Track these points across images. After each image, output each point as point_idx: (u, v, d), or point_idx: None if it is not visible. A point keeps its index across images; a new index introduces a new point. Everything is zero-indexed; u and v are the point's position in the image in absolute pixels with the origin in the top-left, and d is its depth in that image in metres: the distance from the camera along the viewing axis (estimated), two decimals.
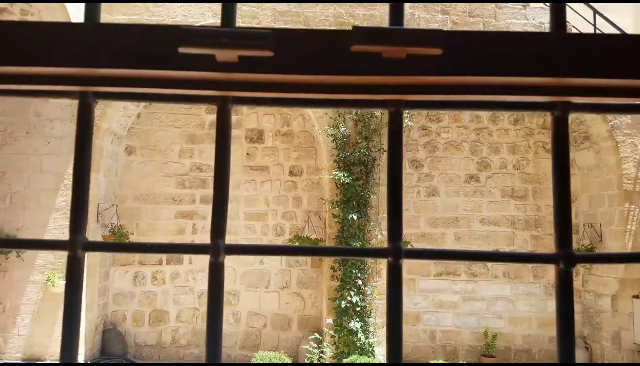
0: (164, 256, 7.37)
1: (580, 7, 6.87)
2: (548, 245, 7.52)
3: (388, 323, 0.61)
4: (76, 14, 6.29)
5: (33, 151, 6.70)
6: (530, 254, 0.70)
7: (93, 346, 6.72)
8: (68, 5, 6.17)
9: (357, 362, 4.82)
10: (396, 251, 0.66)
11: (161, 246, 0.70)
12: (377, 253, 0.72)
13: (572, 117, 7.32)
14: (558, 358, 0.64)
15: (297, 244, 6.87)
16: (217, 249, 0.68)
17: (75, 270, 0.63)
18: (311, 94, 0.62)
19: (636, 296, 6.59)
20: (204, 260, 7.41)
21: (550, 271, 7.48)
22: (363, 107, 0.64)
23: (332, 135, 6.51)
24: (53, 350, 6.29)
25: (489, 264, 7.52)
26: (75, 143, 0.64)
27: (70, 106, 6.67)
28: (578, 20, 7.18)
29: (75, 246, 0.64)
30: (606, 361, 6.74)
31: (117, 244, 0.70)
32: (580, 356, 6.98)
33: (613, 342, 6.65)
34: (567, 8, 7.12)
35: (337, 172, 6.33)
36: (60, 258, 6.40)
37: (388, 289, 0.65)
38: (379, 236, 6.62)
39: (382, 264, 6.62)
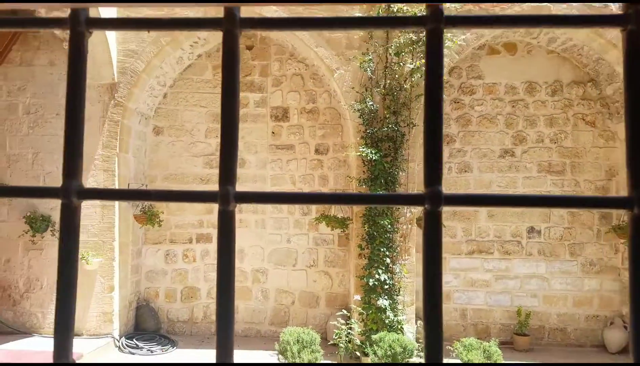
0: (194, 235, 7.46)
1: None
2: (586, 222, 7.22)
3: (425, 293, 0.51)
4: None
5: (62, 132, 6.81)
6: (597, 198, 0.57)
7: (127, 322, 6.90)
8: None
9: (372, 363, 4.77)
10: (434, 197, 0.56)
11: (165, 193, 0.61)
12: (411, 199, 0.62)
13: (615, 87, 6.92)
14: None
15: (324, 222, 6.81)
16: (226, 196, 0.59)
17: (71, 222, 0.55)
18: (332, 3, 0.52)
19: None
20: None
21: (588, 248, 7.20)
22: (396, 25, 0.53)
23: (358, 110, 6.34)
24: (90, 325, 6.49)
25: (524, 241, 7.29)
26: (68, 78, 0.56)
27: (97, 87, 6.73)
28: None
29: (69, 193, 0.56)
30: None
31: (118, 192, 0.61)
32: (617, 336, 6.73)
33: None
34: None
35: (364, 149, 6.18)
36: (92, 236, 6.55)
37: (425, 245, 0.55)
38: (408, 214, 6.47)
39: (411, 243, 6.49)
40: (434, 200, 0.56)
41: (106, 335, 6.48)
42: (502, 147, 7.35)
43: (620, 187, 7.15)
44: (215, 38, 7.23)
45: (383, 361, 4.63)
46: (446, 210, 7.31)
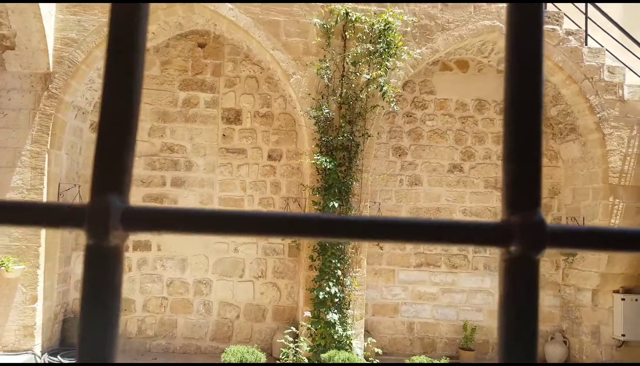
0: (130, 242, 6.92)
1: None
2: None
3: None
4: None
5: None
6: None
7: (52, 336, 6.25)
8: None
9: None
10: (532, 230, 0.37)
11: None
12: (486, 232, 0.42)
13: (559, 108, 7.18)
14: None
15: None
16: (102, 215, 0.37)
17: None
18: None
19: (617, 291, 6.54)
20: (173, 247, 7.00)
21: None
22: None
23: (314, 117, 6.15)
24: (7, 339, 5.80)
25: (470, 256, 7.37)
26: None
27: (30, 76, 6.11)
28: (569, 8, 7.01)
29: (107, 219, 0.29)
30: (585, 357, 6.69)
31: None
32: (558, 350, 6.92)
33: (592, 337, 6.60)
34: None
35: (318, 157, 5.99)
36: (15, 241, 5.88)
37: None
38: None
39: (363, 254, 6.36)
40: (530, 236, 0.37)
41: (26, 351, 5.81)
42: (451, 162, 7.42)
43: (562, 204, 7.41)
44: (164, 33, 6.80)
45: None
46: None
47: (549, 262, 7.37)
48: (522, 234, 0.42)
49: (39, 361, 5.82)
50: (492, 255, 7.37)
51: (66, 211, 0.42)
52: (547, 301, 7.28)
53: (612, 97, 6.63)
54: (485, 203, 7.42)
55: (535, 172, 0.44)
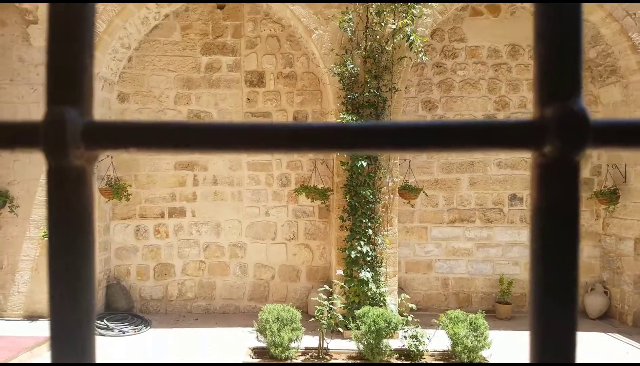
0: (165, 209, 7.08)
1: None
2: None
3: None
4: None
5: (19, 99, 6.26)
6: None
7: (97, 302, 6.55)
8: None
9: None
10: (574, 122, 0.30)
11: None
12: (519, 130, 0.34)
13: (598, 49, 6.73)
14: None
15: (303, 193, 6.51)
16: (57, 127, 0.35)
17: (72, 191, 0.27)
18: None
19: None
20: (207, 213, 7.11)
21: None
22: None
23: (338, 74, 5.98)
24: None
25: (505, 209, 7.18)
26: None
27: None
28: None
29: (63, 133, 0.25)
30: (626, 306, 6.51)
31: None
32: (599, 301, 6.76)
33: (634, 286, 6.39)
34: None
35: (344, 116, 5.86)
36: None
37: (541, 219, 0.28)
38: (390, 184, 6.23)
39: (394, 213, 6.29)
40: (569, 129, 0.29)
41: None
42: (485, 113, 7.14)
43: (602, 152, 7.06)
44: None
45: (366, 337, 4.46)
46: (427, 179, 7.13)
47: (589, 212, 7.11)
48: (558, 128, 0.34)
49: None
50: (528, 207, 7.15)
51: (18, 129, 0.37)
52: (586, 251, 7.07)
53: None
54: (520, 154, 7.15)
55: (573, 52, 0.35)
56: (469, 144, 0.36)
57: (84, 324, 0.35)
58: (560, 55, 0.35)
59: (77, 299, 0.36)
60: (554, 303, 0.35)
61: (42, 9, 6.00)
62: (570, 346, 0.33)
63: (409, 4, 5.85)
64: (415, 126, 0.35)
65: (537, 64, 0.35)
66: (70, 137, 0.35)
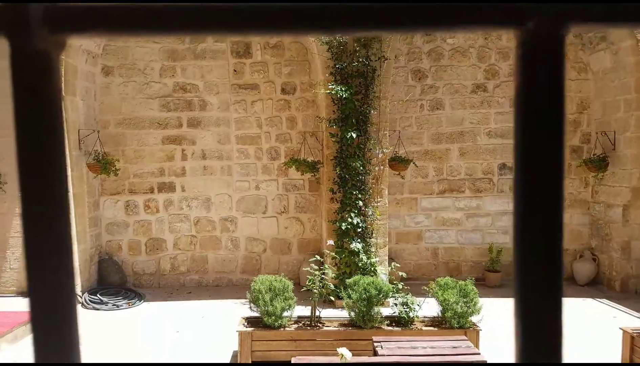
0: (155, 184, 7.03)
1: None
2: None
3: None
4: None
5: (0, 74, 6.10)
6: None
7: (90, 277, 6.56)
8: None
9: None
10: None
11: None
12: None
13: None
14: None
15: (293, 167, 6.49)
16: (18, 10, 0.33)
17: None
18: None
19: None
20: (197, 187, 7.08)
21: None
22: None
23: (326, 43, 5.90)
24: None
25: (495, 179, 7.24)
26: None
27: None
28: None
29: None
30: (614, 272, 6.65)
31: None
32: (587, 268, 6.90)
33: (622, 252, 6.52)
34: None
35: (333, 86, 5.80)
36: None
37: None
38: (380, 155, 6.23)
39: (384, 185, 6.30)
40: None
41: None
42: (475, 82, 7.12)
43: (591, 118, 7.10)
44: None
45: (357, 304, 4.52)
46: (418, 150, 7.13)
47: (578, 180, 7.19)
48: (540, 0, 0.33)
49: (79, 300, 6.14)
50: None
51: None
52: (575, 219, 7.18)
53: None
54: (510, 123, 7.17)
55: None
56: (456, 22, 0.34)
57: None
58: None
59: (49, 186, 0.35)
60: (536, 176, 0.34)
61: None
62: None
63: None
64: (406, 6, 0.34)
65: None
66: (32, 19, 0.33)
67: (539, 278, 0.34)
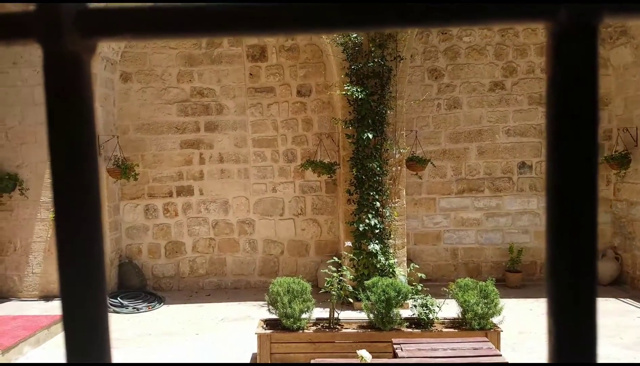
0: (173, 188, 7.11)
1: None
2: None
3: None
4: None
5: (22, 83, 6.26)
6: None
7: (110, 281, 6.66)
8: None
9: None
10: None
11: None
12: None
13: None
14: None
15: (309, 168, 6.49)
16: (51, 14, 0.34)
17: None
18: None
19: None
20: (214, 191, 7.14)
21: None
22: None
23: (342, 44, 5.89)
24: None
25: (514, 177, 7.13)
26: None
27: None
28: None
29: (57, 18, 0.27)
30: (638, 272, 6.49)
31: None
32: (609, 267, 6.75)
33: None
34: None
35: (349, 87, 5.79)
36: None
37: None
38: (397, 155, 6.20)
39: (401, 185, 6.27)
40: None
41: None
42: (492, 80, 7.04)
43: (612, 115, 6.95)
44: None
45: (376, 306, 4.50)
46: (435, 150, 7.08)
47: (599, 177, 7.03)
48: None
49: None
50: (538, 175, 7.11)
51: (12, 20, 0.35)
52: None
53: None
54: (529, 121, 7.07)
55: None
56: (486, 15, 0.34)
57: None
58: None
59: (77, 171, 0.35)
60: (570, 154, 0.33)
61: None
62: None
63: None
64: None
65: None
66: (64, 22, 0.34)
67: (573, 277, 0.33)
